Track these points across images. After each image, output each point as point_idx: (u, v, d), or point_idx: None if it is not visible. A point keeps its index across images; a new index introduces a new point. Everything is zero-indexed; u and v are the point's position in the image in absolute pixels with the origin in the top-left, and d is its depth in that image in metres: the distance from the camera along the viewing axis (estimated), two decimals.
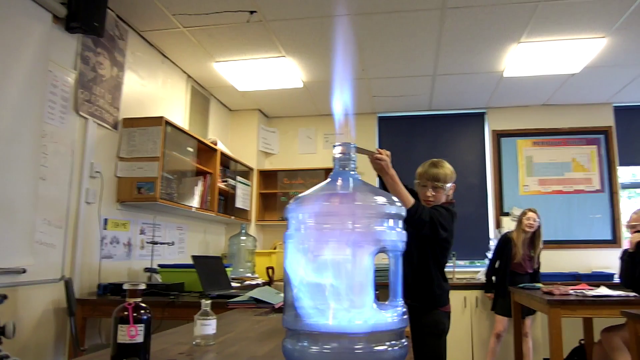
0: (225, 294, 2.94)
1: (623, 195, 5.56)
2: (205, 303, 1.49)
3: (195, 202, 4.23)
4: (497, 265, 4.63)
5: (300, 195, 1.07)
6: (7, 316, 2.61)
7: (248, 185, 5.47)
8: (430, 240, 2.33)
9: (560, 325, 3.24)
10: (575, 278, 4.82)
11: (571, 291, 3.51)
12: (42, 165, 2.86)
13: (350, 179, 1.09)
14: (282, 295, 2.51)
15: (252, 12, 3.56)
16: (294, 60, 4.41)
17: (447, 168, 2.47)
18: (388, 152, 2.23)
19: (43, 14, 2.84)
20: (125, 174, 3.57)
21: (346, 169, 1.12)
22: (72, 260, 3.12)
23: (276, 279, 3.47)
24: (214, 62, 4.44)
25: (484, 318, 4.88)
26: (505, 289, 4.42)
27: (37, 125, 2.79)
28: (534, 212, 4.49)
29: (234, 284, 3.69)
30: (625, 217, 5.01)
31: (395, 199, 1.07)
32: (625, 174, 5.66)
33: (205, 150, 4.54)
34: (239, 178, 5.17)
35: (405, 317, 1.02)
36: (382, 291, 1.16)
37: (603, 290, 3.47)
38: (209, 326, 1.45)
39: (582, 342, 4.34)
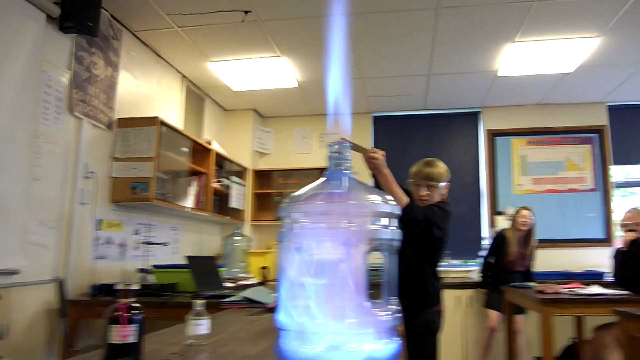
0: (218, 294, 2.93)
1: (616, 194, 5.59)
2: (198, 303, 1.48)
3: (189, 202, 4.22)
4: (491, 261, 4.65)
5: (294, 194, 1.07)
6: (0, 317, 2.60)
7: (243, 185, 5.46)
8: (424, 239, 2.33)
9: (552, 324, 3.25)
10: (567, 277, 4.83)
11: (563, 290, 3.52)
12: (36, 165, 2.85)
13: (345, 178, 1.09)
14: (275, 295, 2.50)
15: (246, 12, 3.55)
16: (288, 60, 4.40)
17: (441, 167, 2.47)
18: (382, 152, 2.23)
19: (37, 14, 2.83)
20: (120, 174, 3.56)
21: (341, 167, 1.11)
22: (66, 261, 3.11)
23: (271, 278, 3.47)
24: (209, 62, 4.43)
25: (477, 317, 4.90)
26: (498, 285, 4.44)
27: (31, 126, 2.77)
28: (528, 210, 4.50)
29: (227, 284, 3.68)
30: (618, 216, 5.04)
31: (389, 197, 1.07)
32: (618, 173, 5.68)
33: (200, 150, 4.53)
34: (233, 178, 5.16)
35: (398, 315, 1.02)
36: (375, 290, 1.16)
37: (595, 289, 3.48)
38: (201, 326, 1.45)
39: (574, 340, 4.36)
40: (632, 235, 3.65)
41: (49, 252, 2.97)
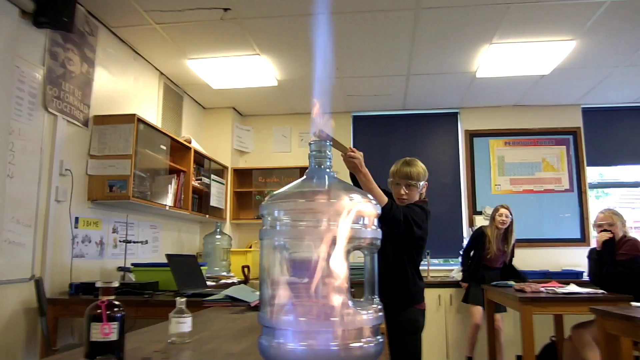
0: (200, 292, 2.92)
1: (591, 195, 5.71)
2: (181, 301, 1.48)
3: (169, 200, 4.19)
4: (471, 255, 4.72)
5: (275, 192, 1.07)
6: None
7: (222, 183, 5.43)
8: (405, 238, 2.36)
9: (532, 322, 3.32)
10: (545, 276, 4.92)
11: (542, 289, 3.59)
12: (10, 162, 2.79)
13: (326, 177, 1.10)
14: (257, 293, 2.50)
15: (226, 10, 3.53)
16: (268, 59, 4.39)
17: (420, 167, 2.51)
18: (361, 153, 2.26)
19: (10, 8, 2.78)
20: (97, 171, 3.51)
21: (322, 166, 1.12)
22: (43, 259, 3.06)
23: (252, 277, 3.46)
24: (187, 59, 4.39)
25: (459, 315, 4.96)
26: (478, 281, 4.50)
27: (4, 122, 2.72)
28: (506, 208, 4.57)
29: (209, 283, 3.67)
30: (593, 216, 5.15)
31: (370, 196, 1.08)
32: (592, 174, 5.81)
33: (179, 149, 4.49)
34: (213, 176, 5.13)
35: (380, 314, 1.03)
36: (357, 289, 1.17)
37: (573, 288, 3.55)
38: (184, 324, 1.44)
39: (553, 338, 4.44)
40: (605, 236, 3.74)
41: (26, 250, 2.92)
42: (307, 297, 0.98)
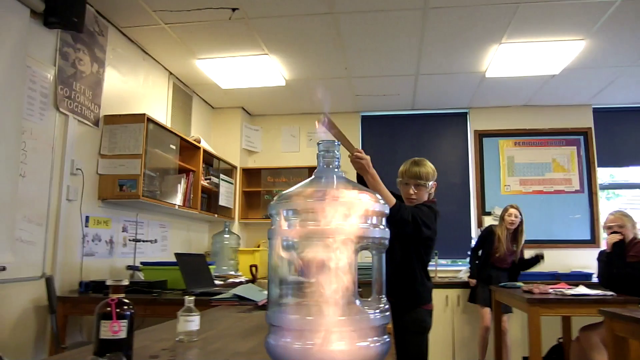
0: (208, 291, 2.93)
1: (601, 196, 5.66)
2: (189, 299, 1.49)
3: (178, 199, 4.21)
4: (479, 253, 4.70)
5: (284, 192, 1.07)
6: None
7: (231, 183, 5.45)
8: (413, 238, 2.35)
9: (539, 324, 3.30)
10: (554, 277, 4.89)
11: (550, 290, 3.57)
12: (22, 162, 2.82)
13: (335, 176, 1.10)
14: (265, 292, 2.51)
15: (234, 10, 3.54)
16: (276, 58, 4.40)
17: (429, 166, 2.50)
18: (368, 157, 2.26)
19: (21, 9, 2.80)
20: (107, 171, 3.54)
21: (330, 166, 1.12)
22: (53, 257, 3.09)
23: (260, 277, 3.47)
24: (196, 59, 4.41)
25: (465, 316, 4.94)
26: (486, 281, 4.48)
27: (16, 122, 2.75)
28: (516, 208, 4.54)
29: (217, 282, 3.68)
30: (604, 217, 5.11)
31: (379, 196, 1.08)
32: (603, 175, 5.76)
33: (188, 148, 4.51)
34: (222, 176, 5.15)
35: (387, 314, 1.03)
36: (365, 288, 1.17)
37: (582, 290, 3.53)
38: (192, 322, 1.45)
39: (561, 340, 4.41)
40: (615, 238, 3.71)
41: (37, 248, 2.95)
42: (315, 297, 0.98)
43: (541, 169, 5.67)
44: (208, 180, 4.89)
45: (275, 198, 1.08)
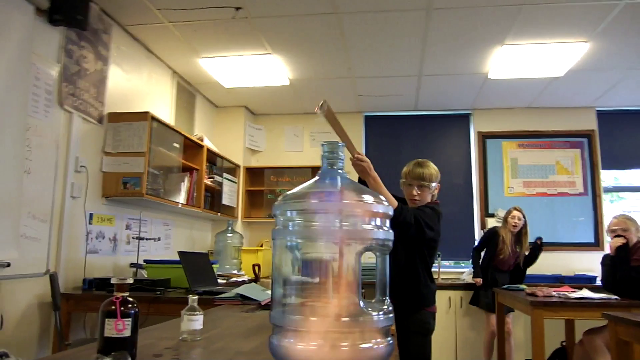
0: (211, 290, 2.94)
1: (605, 199, 5.65)
2: (193, 298, 1.49)
3: (181, 198, 4.22)
4: (481, 255, 4.69)
5: (288, 192, 1.08)
6: None
7: (234, 182, 5.46)
8: (417, 240, 2.35)
9: (542, 326, 3.30)
10: (558, 280, 4.89)
11: (554, 293, 3.57)
12: (26, 158, 2.83)
13: (338, 177, 1.11)
14: (268, 292, 2.51)
15: (237, 9, 3.55)
16: (280, 58, 4.40)
17: (432, 168, 2.50)
18: (369, 160, 2.27)
19: (25, 6, 2.80)
20: (111, 168, 3.55)
21: (334, 167, 1.13)
22: (57, 254, 3.10)
23: (262, 276, 3.47)
24: (200, 57, 4.42)
25: (468, 318, 4.93)
26: (489, 284, 4.48)
27: (21, 119, 2.76)
28: (519, 210, 4.54)
29: (220, 281, 3.69)
30: (607, 220, 5.11)
31: (382, 197, 1.08)
32: (607, 177, 5.75)
33: (192, 147, 4.52)
34: (225, 175, 5.16)
35: (391, 315, 1.03)
36: (368, 290, 1.18)
37: (585, 293, 3.52)
38: (196, 321, 1.46)
39: (564, 343, 4.41)
40: (619, 241, 3.69)
41: (41, 245, 2.96)
42: (318, 297, 0.99)
43: (545, 171, 5.66)
44: (211, 179, 4.89)
45: (279, 198, 1.08)
